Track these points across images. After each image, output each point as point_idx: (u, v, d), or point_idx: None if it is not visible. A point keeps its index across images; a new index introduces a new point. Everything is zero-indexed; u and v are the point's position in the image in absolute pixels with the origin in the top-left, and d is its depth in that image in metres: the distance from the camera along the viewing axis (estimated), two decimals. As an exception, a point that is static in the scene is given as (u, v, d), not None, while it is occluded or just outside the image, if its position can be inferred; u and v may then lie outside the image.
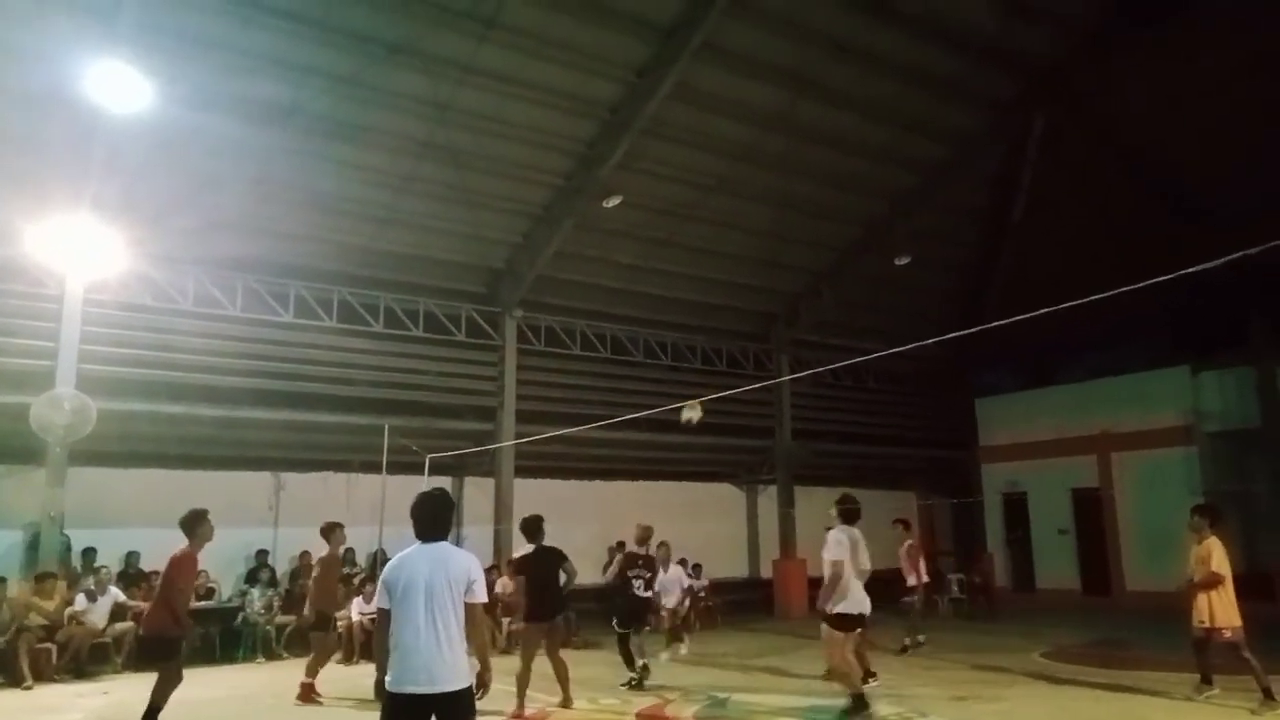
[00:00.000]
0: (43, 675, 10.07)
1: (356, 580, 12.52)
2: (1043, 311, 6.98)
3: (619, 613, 9.71)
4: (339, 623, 9.89)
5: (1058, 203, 17.23)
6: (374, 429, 12.60)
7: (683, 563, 16.17)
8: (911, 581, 12.33)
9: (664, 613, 11.15)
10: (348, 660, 11.53)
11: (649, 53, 12.40)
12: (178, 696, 7.00)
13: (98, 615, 10.96)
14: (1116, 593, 18.01)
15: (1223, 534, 8.38)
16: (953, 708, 8.34)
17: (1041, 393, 20.22)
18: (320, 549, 9.57)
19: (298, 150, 11.84)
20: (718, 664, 11.32)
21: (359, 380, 13.57)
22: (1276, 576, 15.64)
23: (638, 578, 9.61)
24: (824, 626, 7.68)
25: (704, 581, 16.50)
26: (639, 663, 9.47)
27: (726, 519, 19.12)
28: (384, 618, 4.23)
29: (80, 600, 10.87)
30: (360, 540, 12.93)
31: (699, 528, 17.41)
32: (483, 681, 4.33)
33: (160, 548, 12.59)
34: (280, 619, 12.46)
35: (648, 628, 9.99)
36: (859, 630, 7.85)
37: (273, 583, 12.92)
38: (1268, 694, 7.69)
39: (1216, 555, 8.11)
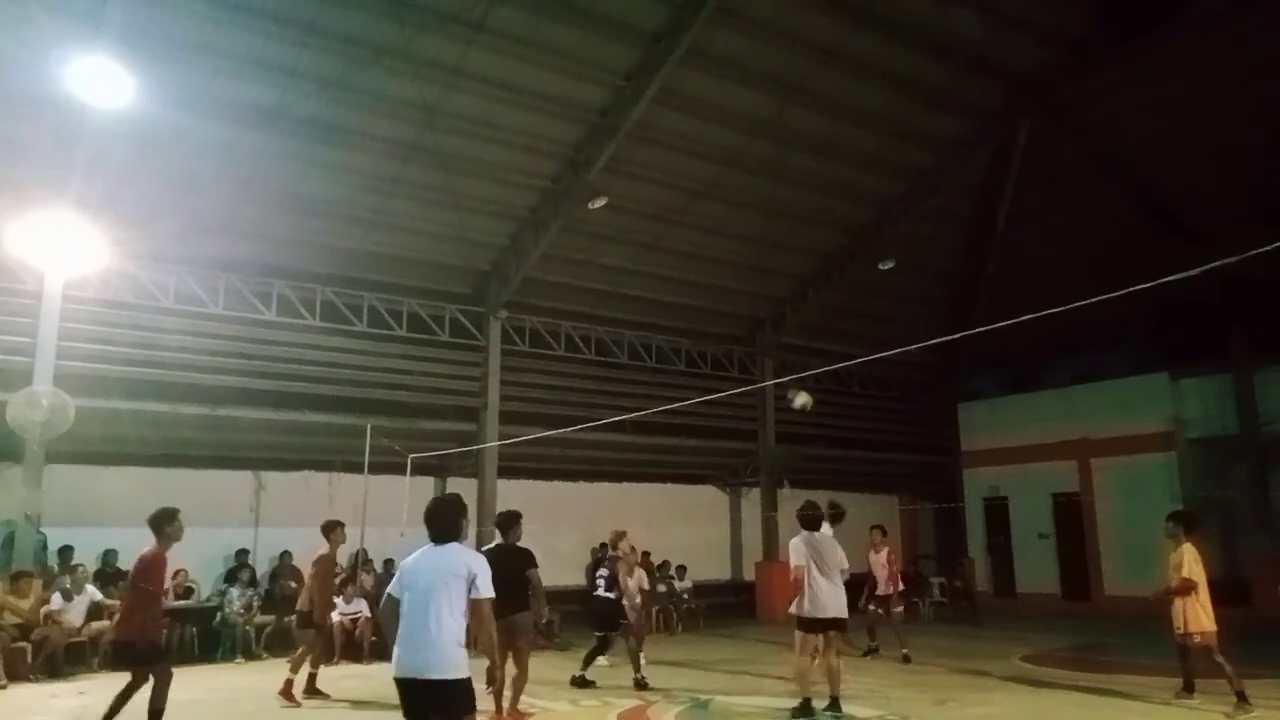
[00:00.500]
0: (17, 675, 9.93)
1: (338, 581, 12.44)
2: (1026, 318, 7.03)
3: (591, 615, 10.01)
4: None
5: (1042, 211, 17.38)
6: (356, 429, 12.55)
7: (664, 566, 16.23)
8: (887, 590, 12.24)
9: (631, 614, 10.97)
10: (328, 661, 11.45)
11: (636, 58, 12.42)
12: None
13: (74, 615, 10.85)
14: (1096, 598, 18.16)
15: (1198, 540, 8.47)
16: (934, 711, 8.37)
17: (1024, 398, 20.37)
18: (317, 548, 9.43)
19: (283, 153, 11.77)
20: (700, 666, 11.32)
21: (342, 380, 13.51)
22: (1254, 582, 15.83)
23: (600, 579, 9.91)
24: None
25: (687, 584, 16.51)
26: (584, 672, 9.54)
27: (710, 522, 19.12)
28: (389, 604, 4.46)
29: (56, 599, 10.76)
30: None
31: (682, 530, 17.45)
32: (492, 677, 4.46)
33: (138, 547, 12.59)
34: (259, 619, 12.37)
35: (616, 631, 9.86)
36: (831, 633, 7.89)
37: (252, 583, 12.81)
38: (1241, 697, 7.76)
39: (1188, 561, 8.22)
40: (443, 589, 4.30)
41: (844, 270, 17.54)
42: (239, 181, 11.80)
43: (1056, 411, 19.22)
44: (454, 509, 4.67)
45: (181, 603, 12.30)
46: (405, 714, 4.34)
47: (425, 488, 14.98)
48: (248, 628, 12.20)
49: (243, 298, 12.80)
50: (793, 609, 7.95)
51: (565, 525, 14.57)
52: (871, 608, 12.16)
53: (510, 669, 7.44)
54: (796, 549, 7.95)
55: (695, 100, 13.29)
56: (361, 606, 12.26)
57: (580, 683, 9.46)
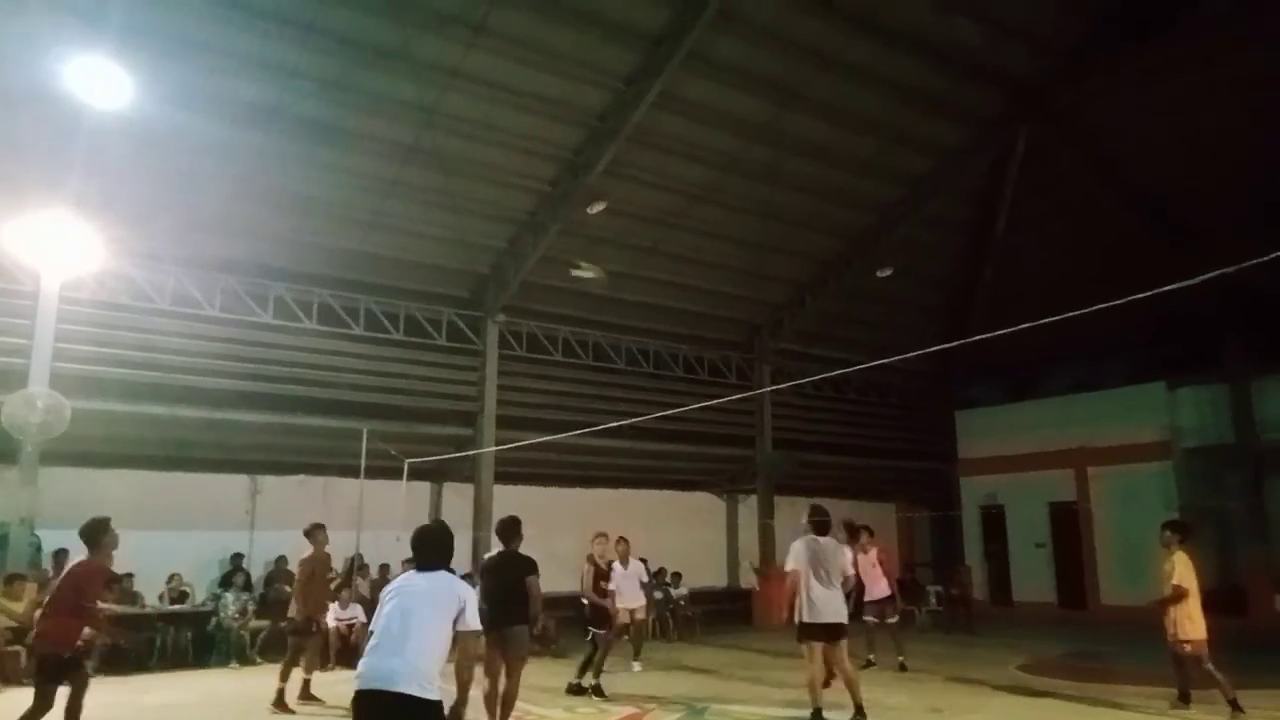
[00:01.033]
0: (11, 679, 9.88)
1: (333, 585, 12.39)
2: (1024, 326, 7.02)
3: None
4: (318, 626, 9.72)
5: (1041, 218, 17.40)
6: (352, 433, 12.51)
7: (660, 572, 16.13)
8: (879, 594, 11.39)
9: (621, 611, 10.78)
10: (323, 666, 11.39)
11: (637, 61, 12.42)
12: (150, 702, 6.91)
13: (68, 618, 10.77)
14: (1092, 606, 18.14)
15: (1192, 548, 8.48)
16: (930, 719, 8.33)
17: (1021, 406, 20.37)
18: (303, 551, 9.39)
19: (281, 153, 11.75)
20: (695, 673, 11.28)
21: (338, 383, 13.48)
22: (1250, 590, 15.82)
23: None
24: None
25: (683, 590, 16.47)
26: (587, 678, 9.47)
27: (706, 528, 19.08)
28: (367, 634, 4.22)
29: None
30: (337, 545, 12.77)
31: (679, 536, 17.40)
32: (456, 714, 4.24)
33: (133, 550, 12.50)
34: (254, 624, 12.31)
35: (603, 630, 9.81)
36: (834, 640, 7.76)
37: (248, 587, 12.76)
38: (1235, 706, 7.74)
39: (1180, 569, 8.24)
40: (428, 605, 4.07)
41: (841, 276, 17.55)
42: (237, 180, 11.75)
43: (1054, 420, 19.21)
44: (444, 534, 4.48)
45: (176, 607, 12.26)
46: None
47: (421, 492, 14.97)
48: (243, 632, 12.14)
49: (239, 300, 12.77)
50: (793, 617, 7.73)
51: (562, 531, 14.48)
52: (867, 618, 11.29)
53: (500, 682, 7.29)
54: (796, 552, 7.76)
55: (695, 104, 13.30)
56: (357, 612, 12.20)
57: (574, 689, 9.39)
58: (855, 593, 11.02)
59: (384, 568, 13.35)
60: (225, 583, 12.70)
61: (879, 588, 11.48)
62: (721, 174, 14.54)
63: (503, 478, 14.91)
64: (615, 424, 12.30)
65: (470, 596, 4.23)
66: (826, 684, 8.01)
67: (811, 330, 18.33)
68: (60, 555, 11.68)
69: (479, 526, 14.39)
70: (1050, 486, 19.38)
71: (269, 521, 13.54)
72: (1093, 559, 18.56)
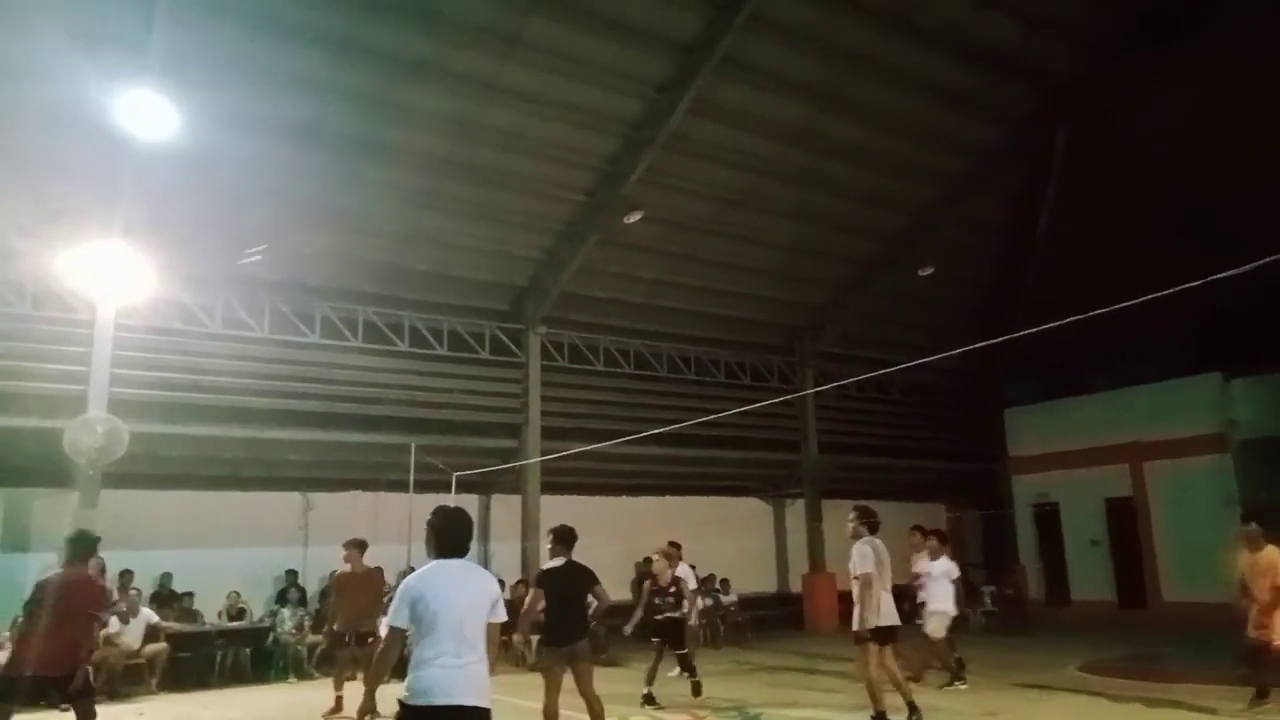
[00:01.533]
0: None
1: (387, 599, 12.52)
2: (1070, 320, 6.89)
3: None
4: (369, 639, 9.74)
5: (1082, 217, 17.08)
6: (400, 448, 12.67)
7: (709, 579, 16.02)
8: (956, 607, 10.21)
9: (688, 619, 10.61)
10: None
11: (670, 69, 12.44)
12: (209, 717, 6.99)
13: (131, 636, 11.06)
14: (1154, 605, 17.68)
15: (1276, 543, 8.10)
16: (988, 724, 8.21)
17: (1071, 402, 19.95)
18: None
19: (322, 168, 11.92)
20: (748, 679, 11.22)
21: (385, 399, 13.64)
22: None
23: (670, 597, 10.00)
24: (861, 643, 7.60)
25: (733, 596, 16.40)
26: (648, 688, 9.44)
27: (754, 534, 19.00)
28: (395, 636, 4.08)
29: (113, 622, 10.95)
30: (388, 559, 12.94)
31: (726, 543, 17.31)
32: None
33: (190, 568, 12.84)
34: (311, 639, 12.49)
35: (658, 639, 9.78)
36: (891, 642, 7.74)
37: (303, 602, 12.97)
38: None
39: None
40: (477, 610, 4.04)
41: (882, 278, 17.39)
42: (279, 197, 11.94)
43: (1105, 415, 18.81)
44: (468, 520, 4.36)
45: (235, 624, 12.48)
46: None
47: (470, 505, 14.98)
48: (299, 647, 12.33)
49: (286, 320, 12.98)
50: (865, 622, 7.47)
51: (608, 540, 14.48)
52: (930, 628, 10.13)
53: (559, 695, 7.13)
54: (864, 554, 7.56)
55: (730, 110, 13.27)
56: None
57: (648, 700, 9.33)
58: (916, 601, 10.51)
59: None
60: (281, 599, 12.92)
61: (956, 599, 10.26)
62: (759, 178, 14.49)
63: (548, 488, 14.96)
64: (658, 431, 12.30)
65: (497, 589, 4.25)
66: (916, 679, 7.90)
67: (853, 333, 18.18)
68: (125, 576, 11.98)
69: (527, 536, 14.46)
70: (1105, 482, 18.93)
71: (322, 537, 13.70)
72: (1152, 555, 18.10)
